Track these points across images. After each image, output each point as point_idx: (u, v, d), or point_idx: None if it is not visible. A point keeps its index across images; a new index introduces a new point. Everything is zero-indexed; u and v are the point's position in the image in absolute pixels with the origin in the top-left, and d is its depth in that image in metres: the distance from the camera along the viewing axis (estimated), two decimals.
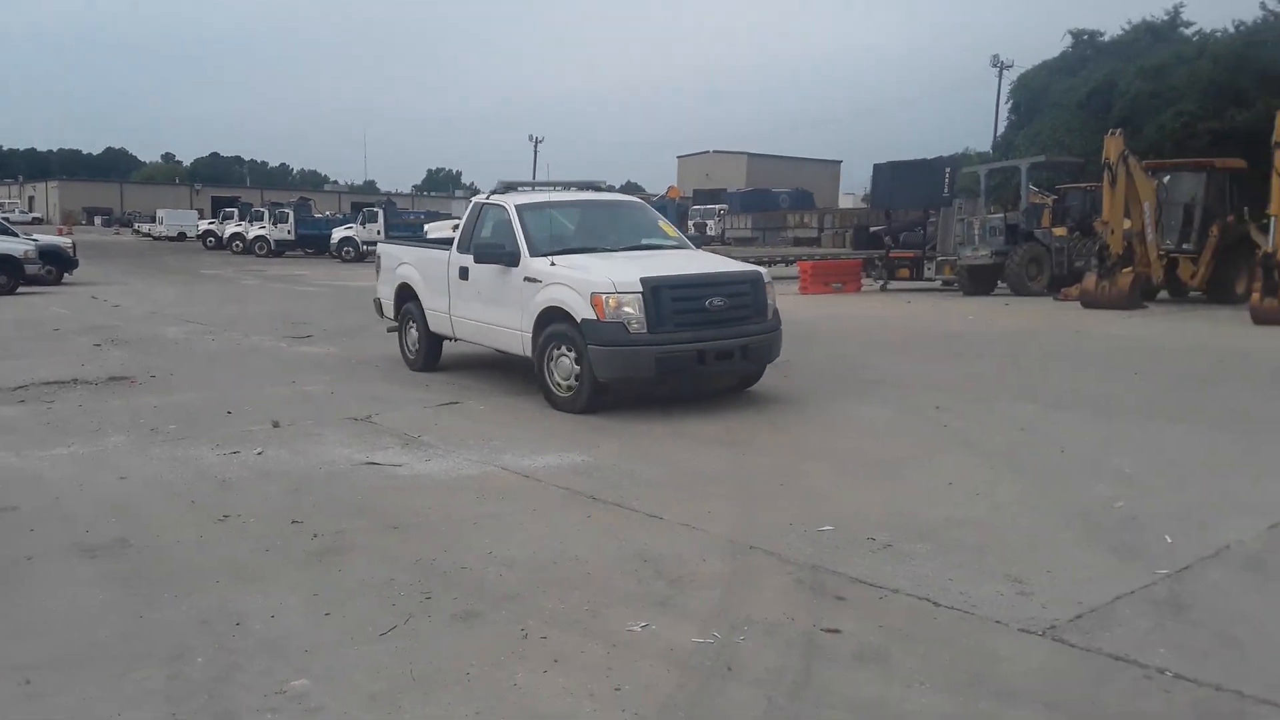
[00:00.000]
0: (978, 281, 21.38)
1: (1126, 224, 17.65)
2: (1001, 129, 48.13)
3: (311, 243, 44.08)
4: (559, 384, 8.37)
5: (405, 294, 10.92)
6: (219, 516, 5.54)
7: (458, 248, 9.87)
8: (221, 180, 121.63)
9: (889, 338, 13.92)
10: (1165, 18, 39.64)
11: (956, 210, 22.91)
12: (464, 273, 9.63)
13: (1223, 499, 5.76)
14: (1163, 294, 19.43)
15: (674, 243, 9.80)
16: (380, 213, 40.24)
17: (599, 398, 8.24)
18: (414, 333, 10.85)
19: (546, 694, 3.47)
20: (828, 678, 3.58)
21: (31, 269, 21.79)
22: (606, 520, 5.46)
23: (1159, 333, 14.18)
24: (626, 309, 7.90)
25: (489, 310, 9.34)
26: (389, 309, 11.38)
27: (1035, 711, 3.34)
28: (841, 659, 3.74)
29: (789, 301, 13.99)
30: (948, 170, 23.22)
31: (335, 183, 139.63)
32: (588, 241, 9.28)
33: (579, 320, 8.03)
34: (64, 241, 27.25)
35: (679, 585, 4.49)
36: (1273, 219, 14.95)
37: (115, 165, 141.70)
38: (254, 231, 45.26)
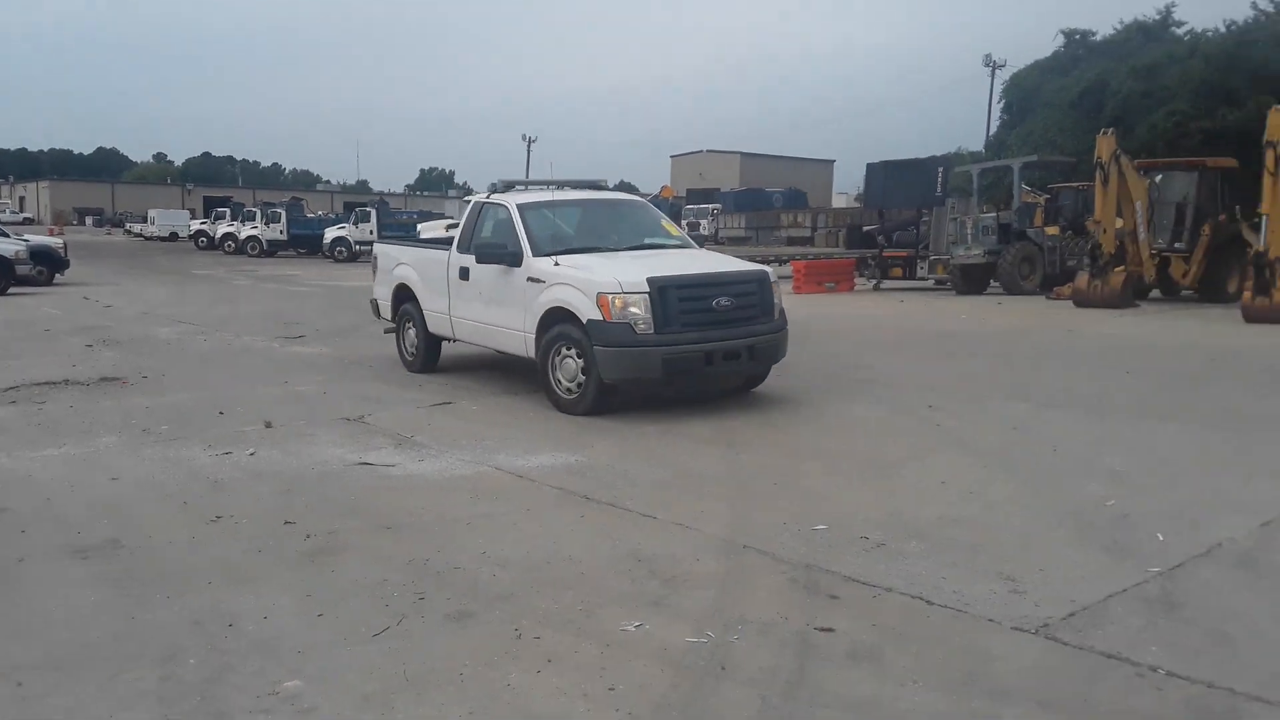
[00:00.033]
0: (970, 281, 21.43)
1: (1119, 223, 17.72)
2: (994, 128, 48.37)
3: (304, 243, 44.03)
4: (564, 386, 8.27)
5: (403, 295, 10.80)
6: (211, 517, 5.52)
7: (458, 248, 9.76)
8: (214, 180, 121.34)
9: (882, 337, 13.94)
10: (1157, 17, 39.84)
11: (949, 209, 22.99)
12: (464, 273, 9.53)
13: (1214, 497, 5.77)
14: (1155, 293, 19.50)
15: (677, 242, 9.71)
16: (373, 212, 40.19)
17: (605, 399, 8.13)
18: (412, 334, 10.73)
19: (540, 694, 3.47)
20: (821, 677, 3.59)
21: (22, 269, 21.71)
22: (600, 520, 5.46)
23: (1151, 331, 14.21)
24: (633, 309, 7.80)
25: (490, 311, 9.24)
26: (386, 310, 11.25)
27: (1028, 710, 3.35)
28: (835, 658, 3.74)
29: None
30: (940, 170, 23.30)
31: (328, 182, 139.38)
32: (590, 241, 9.18)
33: (584, 321, 7.93)
34: (55, 242, 27.14)
35: (673, 585, 4.48)
36: (1264, 218, 15.01)
37: (106, 165, 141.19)
38: (246, 231, 45.20)
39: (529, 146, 73.21)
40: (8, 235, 23.94)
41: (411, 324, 10.70)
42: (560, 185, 10.19)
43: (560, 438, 7.45)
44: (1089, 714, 3.33)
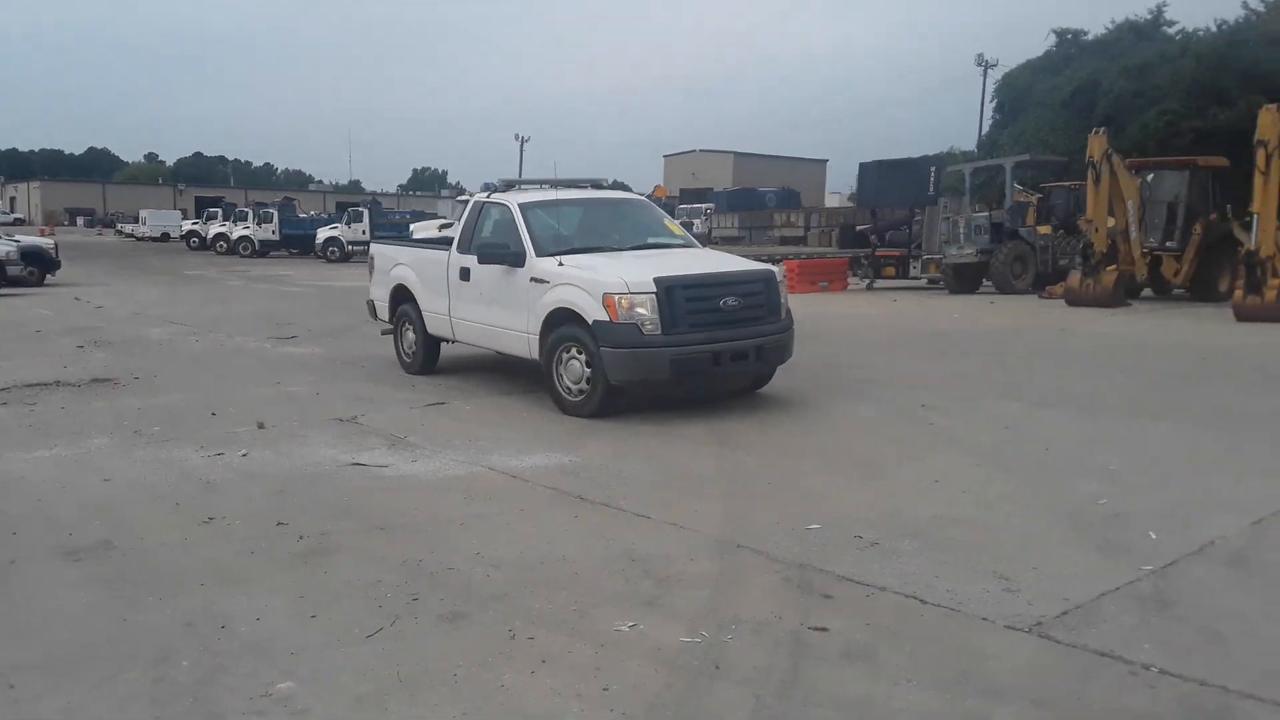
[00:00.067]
0: (963, 280, 21.47)
1: (1110, 222, 17.76)
2: (986, 128, 48.47)
3: (296, 243, 43.91)
4: (569, 388, 8.16)
5: (401, 296, 10.64)
6: (203, 518, 5.51)
7: (458, 248, 9.63)
8: (205, 180, 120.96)
9: (875, 336, 13.96)
10: (1148, 17, 39.94)
11: (942, 209, 23.02)
12: (465, 273, 9.41)
13: (1206, 496, 5.79)
14: (1146, 292, 19.54)
15: (680, 241, 9.60)
16: (365, 213, 40.11)
17: (612, 401, 8.03)
18: (411, 335, 10.57)
19: (534, 694, 3.47)
20: (815, 676, 3.59)
21: (13, 270, 21.66)
22: (594, 520, 5.46)
23: (1143, 330, 14.26)
24: (640, 310, 7.71)
25: (492, 312, 9.12)
26: (384, 311, 11.07)
27: (1021, 708, 3.35)
28: (829, 657, 3.74)
29: None
30: (933, 169, 23.32)
31: (320, 182, 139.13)
32: (593, 241, 9.07)
33: (590, 322, 7.83)
34: (46, 242, 27.05)
35: (667, 585, 4.48)
36: (1255, 217, 15.06)
37: (98, 165, 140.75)
38: (238, 232, 45.08)
39: (522, 146, 73.26)
40: None
41: (410, 325, 10.56)
42: (555, 184, 10.16)
43: (554, 438, 7.44)
44: (1082, 712, 3.34)
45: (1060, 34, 43.19)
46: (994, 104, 46.82)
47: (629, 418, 8.03)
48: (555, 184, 10.22)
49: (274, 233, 44.10)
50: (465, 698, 3.45)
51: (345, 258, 38.70)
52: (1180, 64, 32.97)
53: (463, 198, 34.88)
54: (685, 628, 3.99)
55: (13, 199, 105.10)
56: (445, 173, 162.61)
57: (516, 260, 8.66)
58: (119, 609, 4.27)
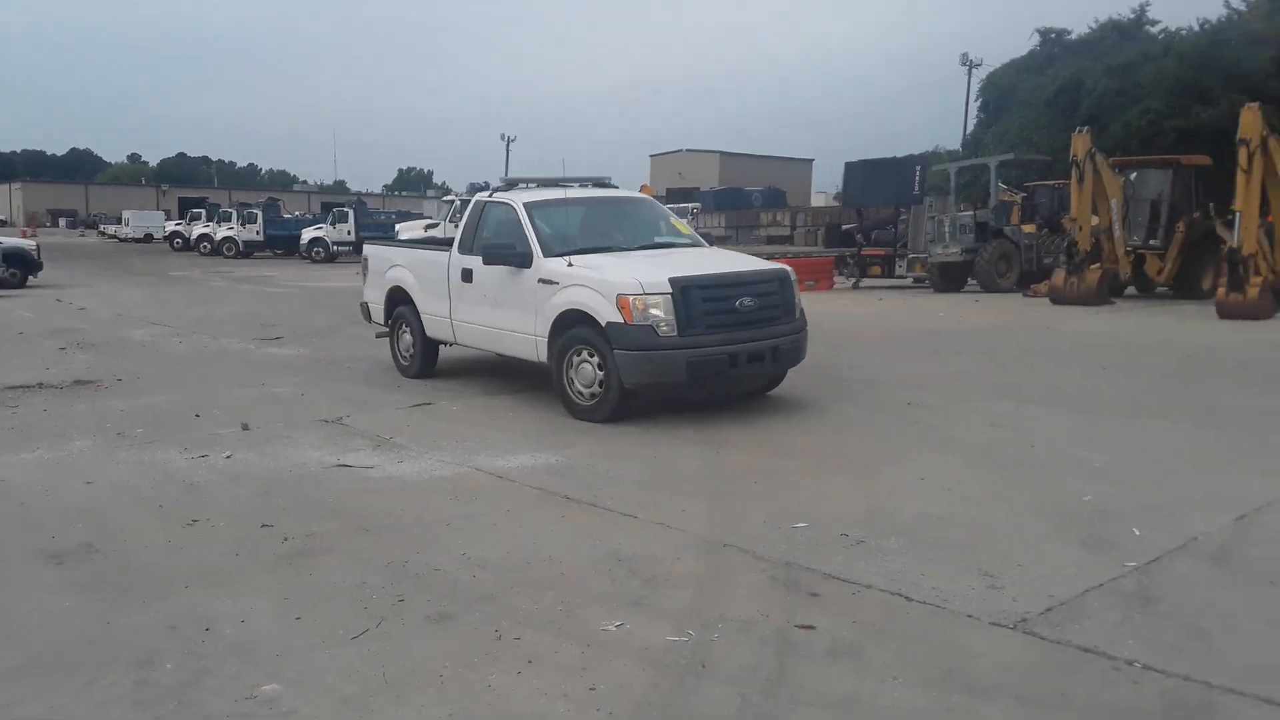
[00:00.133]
0: (948, 279, 21.58)
1: (1094, 221, 17.88)
2: (971, 127, 48.65)
3: (281, 243, 43.71)
4: (580, 392, 7.96)
5: (397, 298, 10.39)
6: (187, 521, 5.47)
7: (459, 248, 9.39)
8: (189, 181, 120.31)
9: (861, 335, 13.99)
10: (1131, 16, 40.15)
11: (927, 208, 23.17)
12: (467, 275, 9.17)
13: (1190, 492, 5.83)
14: (1130, 290, 19.69)
15: (688, 240, 9.43)
16: (351, 213, 39.98)
17: (625, 405, 7.83)
18: (407, 338, 10.28)
19: (521, 695, 3.46)
20: (801, 674, 3.59)
21: None
22: (580, 520, 5.45)
23: (1127, 328, 14.35)
24: (655, 311, 7.52)
25: (496, 314, 8.85)
26: (378, 314, 10.79)
27: (1007, 704, 3.37)
28: (815, 655, 3.75)
29: None
30: (918, 168, 23.45)
31: (304, 183, 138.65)
32: (600, 240, 8.86)
33: (603, 324, 7.63)
34: (28, 244, 26.80)
35: (653, 584, 4.48)
36: (1237, 215, 15.20)
37: (80, 166, 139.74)
38: (222, 233, 44.81)
39: (508, 146, 73.03)
40: None
41: (407, 328, 10.27)
42: (555, 184, 9.92)
43: (541, 438, 7.43)
44: (1066, 708, 3.36)
45: (1044, 33, 43.40)
46: (978, 103, 47.01)
47: (616, 418, 8.02)
48: (555, 183, 9.93)
49: (258, 233, 43.86)
50: (452, 698, 3.44)
51: (330, 258, 38.57)
52: (1163, 63, 33.18)
53: (448, 198, 34.77)
54: (672, 627, 3.99)
55: None
56: (431, 173, 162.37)
57: (523, 261, 8.44)
58: (102, 612, 4.24)
